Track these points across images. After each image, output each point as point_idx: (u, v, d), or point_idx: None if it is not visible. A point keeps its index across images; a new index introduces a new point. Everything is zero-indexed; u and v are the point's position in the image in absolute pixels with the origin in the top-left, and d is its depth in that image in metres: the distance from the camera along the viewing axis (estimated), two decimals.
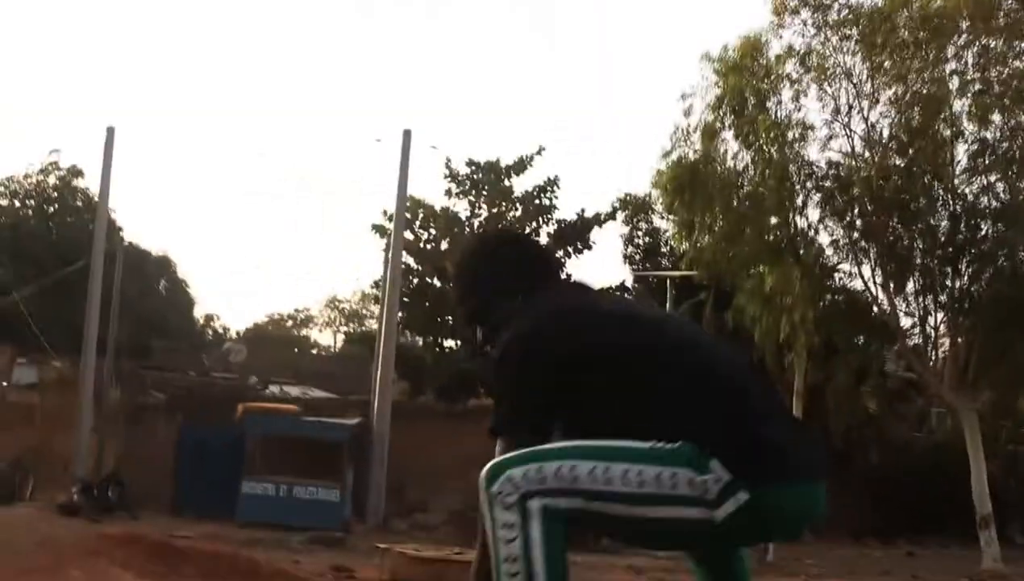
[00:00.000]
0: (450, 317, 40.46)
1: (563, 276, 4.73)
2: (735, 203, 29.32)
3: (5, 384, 38.16)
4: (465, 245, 4.05)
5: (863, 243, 30.26)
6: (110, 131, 35.31)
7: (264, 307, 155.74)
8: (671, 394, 3.67)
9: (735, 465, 3.46)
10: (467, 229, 41.15)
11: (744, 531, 3.64)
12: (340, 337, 76.64)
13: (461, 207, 41.51)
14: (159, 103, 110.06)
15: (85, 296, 35.10)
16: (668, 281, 35.89)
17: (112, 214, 36.44)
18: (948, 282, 29.84)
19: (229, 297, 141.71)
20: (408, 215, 37.06)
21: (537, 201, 41.25)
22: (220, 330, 71.03)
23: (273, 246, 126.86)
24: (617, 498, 3.55)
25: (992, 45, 28.54)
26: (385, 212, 39.31)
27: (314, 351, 72.09)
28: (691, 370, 3.75)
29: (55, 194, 53.78)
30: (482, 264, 4.52)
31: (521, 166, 41.11)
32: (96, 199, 38.52)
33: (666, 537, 3.83)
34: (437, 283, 40.96)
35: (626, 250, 43.44)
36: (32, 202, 53.73)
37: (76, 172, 53.21)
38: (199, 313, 68.92)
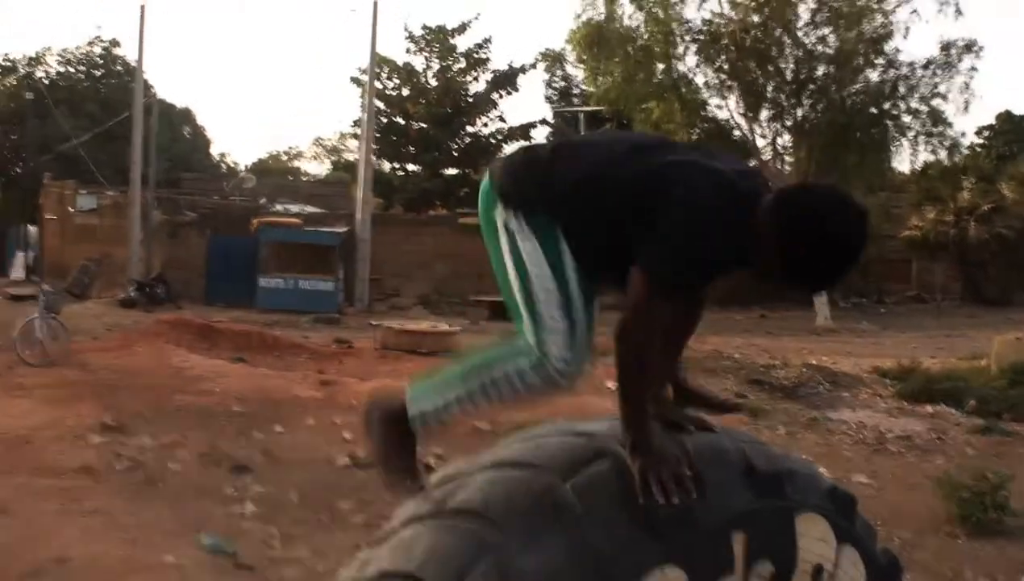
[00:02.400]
0: (411, 147, 40.29)
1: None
2: (631, 53, 29.11)
3: (72, 210, 37.62)
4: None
5: (729, 82, 30.28)
6: (142, 8, 34.46)
7: (264, 145, 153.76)
8: None
9: None
10: (422, 79, 40.68)
11: None
12: (325, 167, 76.10)
13: (417, 62, 41.03)
14: None
15: (129, 141, 34.81)
16: (580, 115, 35.75)
17: (145, 76, 35.56)
18: (793, 111, 29.97)
19: (238, 138, 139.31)
20: (376, 69, 36.46)
21: (476, 56, 40.78)
22: (232, 164, 70.48)
23: (270, 97, 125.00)
24: None
25: None
26: (360, 67, 38.95)
27: (304, 178, 71.28)
28: None
29: (100, 61, 52.62)
30: None
31: (463, 28, 40.62)
32: (134, 64, 37.82)
33: None
34: (401, 121, 40.61)
35: (546, 92, 43.34)
36: (83, 68, 52.56)
37: (116, 43, 52.37)
38: (215, 151, 68.39)
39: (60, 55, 53.22)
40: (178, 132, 55.76)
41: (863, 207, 2.70)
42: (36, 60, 52.14)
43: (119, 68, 51.89)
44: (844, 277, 2.73)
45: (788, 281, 2.78)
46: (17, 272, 40.29)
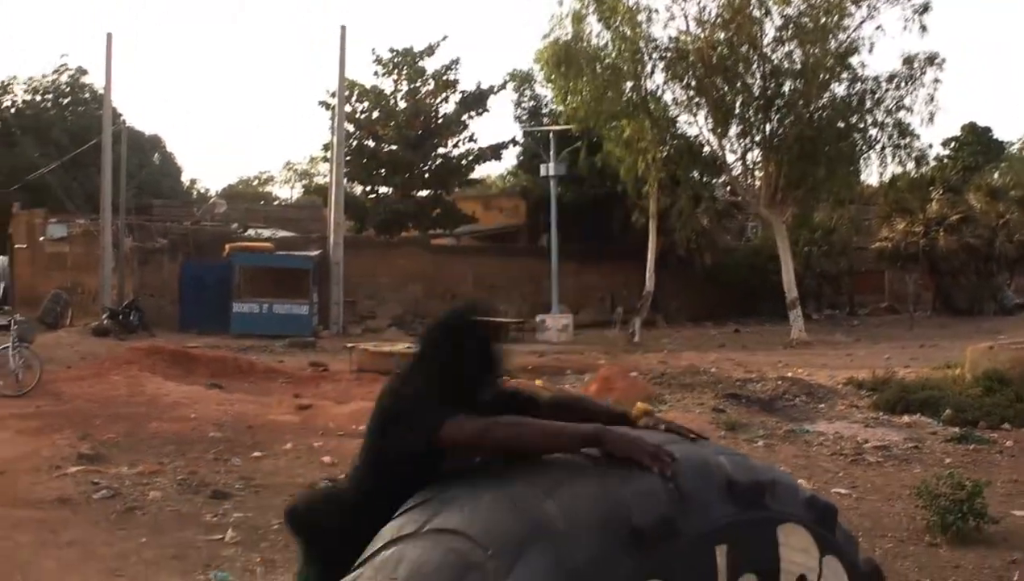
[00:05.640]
0: (382, 169, 40.25)
1: None
2: (599, 71, 29.23)
3: (42, 239, 37.37)
4: None
5: (697, 99, 30.46)
6: (109, 36, 34.27)
7: (235, 171, 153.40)
8: None
9: None
10: (391, 101, 40.69)
11: None
12: (296, 191, 75.94)
13: (386, 85, 41.03)
14: (151, 8, 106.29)
15: (98, 169, 34.68)
16: (550, 134, 35.82)
17: (113, 104, 35.37)
18: (762, 127, 30.17)
19: (208, 164, 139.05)
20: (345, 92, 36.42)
21: (444, 77, 40.81)
22: (203, 190, 70.27)
23: (239, 122, 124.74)
24: None
25: None
26: (328, 91, 38.88)
27: (275, 202, 71.11)
28: None
29: (67, 89, 52.37)
30: None
31: (431, 50, 40.60)
32: (101, 92, 37.68)
33: None
34: (371, 144, 40.59)
35: (516, 112, 43.34)
36: (50, 96, 52.29)
37: (83, 71, 52.11)
38: (185, 178, 68.18)
39: (26, 83, 52.95)
40: (147, 159, 55.48)
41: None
42: (2, 88, 51.85)
43: (86, 96, 51.63)
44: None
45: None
46: None
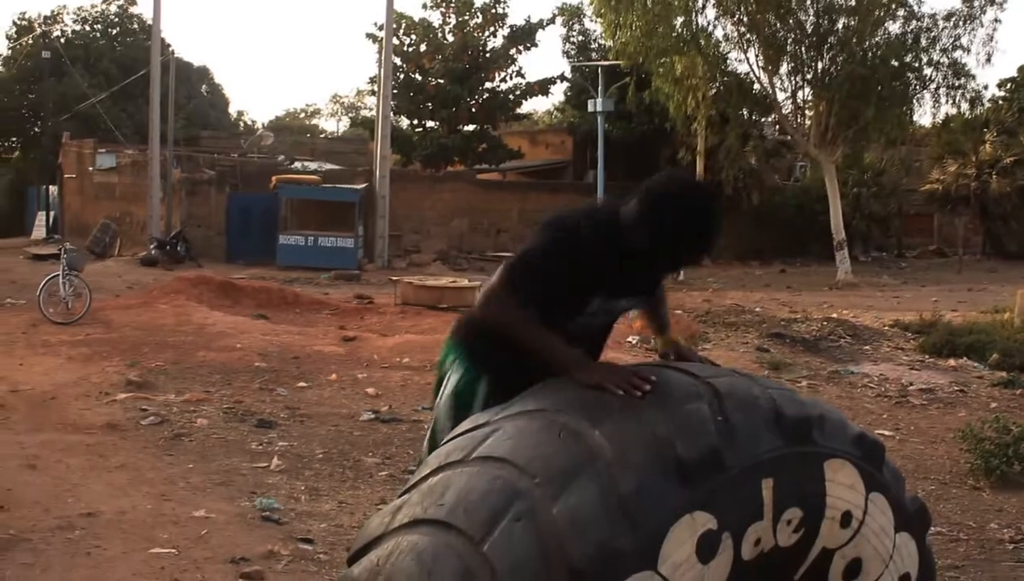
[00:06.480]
0: (429, 104, 40.11)
1: None
2: (650, 5, 28.80)
3: (91, 169, 37.68)
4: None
5: (748, 36, 30.00)
6: None
7: (282, 103, 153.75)
8: None
9: None
10: (439, 35, 40.42)
11: None
12: (342, 124, 75.86)
13: (434, 18, 40.73)
14: None
15: (146, 99, 34.77)
16: (599, 70, 35.49)
17: (161, 34, 35.37)
18: (813, 65, 29.70)
19: (255, 96, 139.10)
20: (392, 25, 36.19)
21: (493, 11, 40.45)
22: (250, 122, 70.41)
23: (286, 55, 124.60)
24: None
25: None
26: (376, 23, 38.66)
27: (322, 135, 71.26)
28: None
29: (116, 19, 52.51)
30: None
31: None
32: (150, 23, 37.72)
33: None
34: (418, 78, 40.40)
35: (564, 48, 42.95)
36: (99, 26, 52.45)
37: (131, 1, 52.18)
38: (233, 110, 68.29)
39: (75, 13, 53.22)
40: (195, 90, 55.64)
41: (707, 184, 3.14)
42: (52, 19, 52.11)
43: (135, 27, 51.74)
44: (705, 245, 3.14)
45: (657, 256, 3.13)
46: (38, 231, 40.48)
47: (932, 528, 3.81)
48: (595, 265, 3.11)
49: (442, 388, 3.51)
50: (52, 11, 51.88)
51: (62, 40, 49.16)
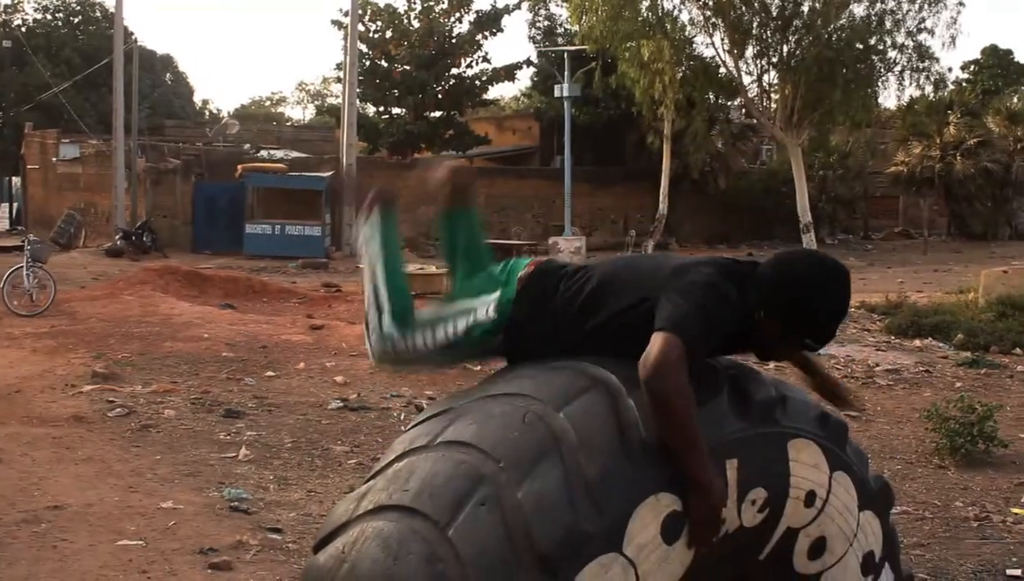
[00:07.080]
0: (395, 90, 39.94)
1: None
2: None
3: (55, 159, 37.33)
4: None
5: (714, 19, 30.00)
6: None
7: (247, 91, 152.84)
8: None
9: None
10: (405, 21, 40.25)
11: None
12: (308, 112, 75.62)
13: (399, 4, 40.63)
14: None
15: (110, 89, 34.43)
16: (565, 55, 35.48)
17: (124, 22, 35.06)
18: (779, 48, 29.75)
19: (220, 85, 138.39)
20: (358, 11, 36.02)
21: None
22: (215, 110, 70.06)
23: (251, 42, 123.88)
24: None
25: None
26: (341, 9, 38.53)
27: (288, 123, 70.98)
28: None
29: (78, 8, 51.98)
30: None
31: None
32: (112, 11, 37.39)
33: None
34: (384, 64, 40.24)
35: (530, 32, 42.93)
36: (61, 15, 51.91)
37: None
38: (197, 98, 67.91)
39: (37, 2, 52.57)
40: (160, 79, 55.29)
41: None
42: (12, 7, 51.54)
43: (97, 15, 51.27)
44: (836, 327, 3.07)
45: (790, 333, 3.00)
46: (1, 223, 40.11)
47: (898, 507, 3.85)
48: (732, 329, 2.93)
49: (467, 302, 3.26)
50: (12, 0, 51.28)
51: (23, 29, 48.64)
